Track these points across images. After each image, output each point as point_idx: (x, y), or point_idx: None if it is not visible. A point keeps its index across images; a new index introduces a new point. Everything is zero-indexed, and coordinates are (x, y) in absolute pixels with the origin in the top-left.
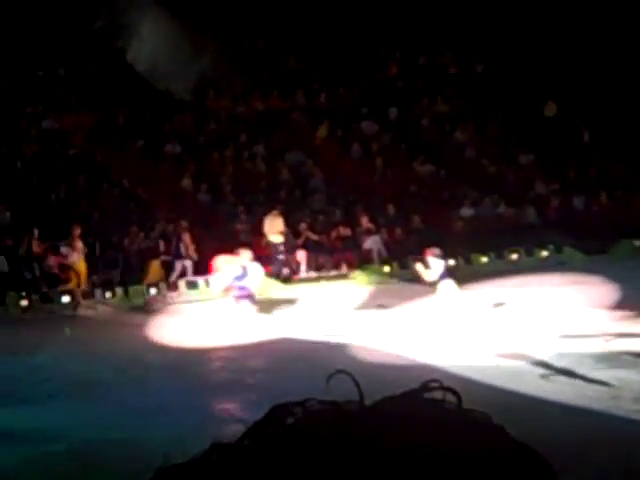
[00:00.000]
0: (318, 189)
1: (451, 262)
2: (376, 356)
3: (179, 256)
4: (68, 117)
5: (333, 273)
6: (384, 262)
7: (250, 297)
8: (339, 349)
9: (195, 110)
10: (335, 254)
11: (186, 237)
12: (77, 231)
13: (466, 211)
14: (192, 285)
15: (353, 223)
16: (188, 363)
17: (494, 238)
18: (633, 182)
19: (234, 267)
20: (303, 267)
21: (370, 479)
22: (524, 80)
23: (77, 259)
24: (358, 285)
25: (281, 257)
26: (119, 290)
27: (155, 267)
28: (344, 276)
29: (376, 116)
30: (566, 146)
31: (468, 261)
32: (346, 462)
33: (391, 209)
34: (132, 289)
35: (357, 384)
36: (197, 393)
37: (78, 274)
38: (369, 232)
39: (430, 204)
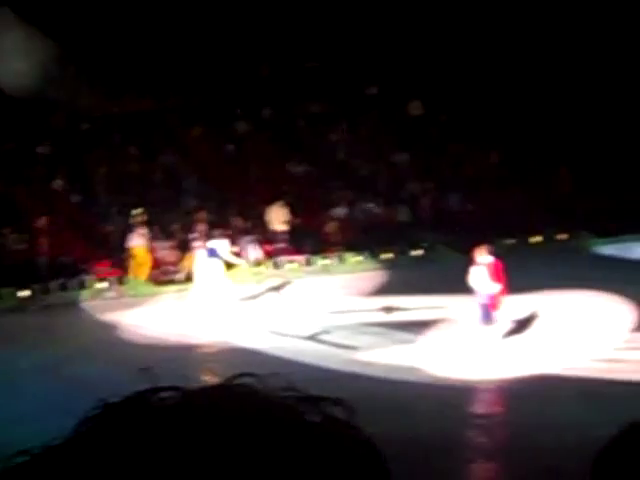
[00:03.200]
0: (191, 189)
1: (326, 261)
2: None
3: None
4: None
5: None
6: (258, 263)
7: None
8: None
9: (68, 110)
10: None
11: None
12: None
13: (340, 211)
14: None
15: (227, 223)
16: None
17: (368, 237)
18: (506, 181)
19: None
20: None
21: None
22: (389, 79)
23: None
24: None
25: (282, 245)
26: None
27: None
28: None
29: (250, 116)
30: (439, 145)
31: (342, 260)
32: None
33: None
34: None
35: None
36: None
37: None
38: (243, 232)
39: (304, 204)
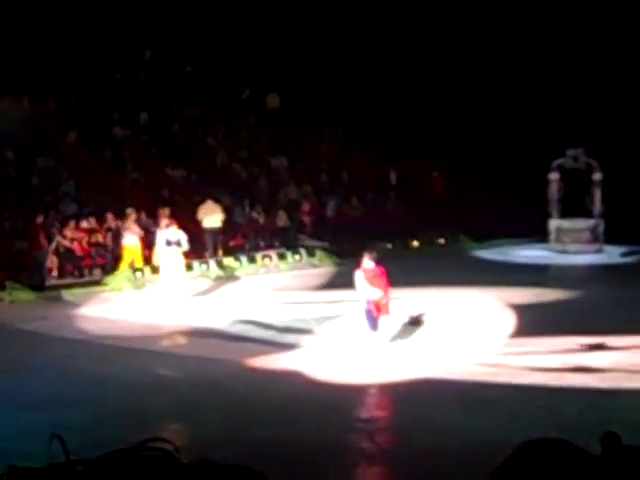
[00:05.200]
0: (69, 194)
1: (203, 267)
2: None
3: None
4: None
5: (86, 279)
6: (136, 269)
7: None
8: None
9: None
10: (86, 259)
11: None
12: None
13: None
14: None
15: (105, 229)
16: None
17: (247, 242)
18: (384, 186)
19: None
20: (55, 272)
21: None
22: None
23: None
24: (113, 290)
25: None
26: None
27: None
28: (97, 282)
29: (127, 121)
30: (316, 149)
31: (220, 265)
32: None
33: (143, 215)
34: None
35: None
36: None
37: None
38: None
39: (182, 209)
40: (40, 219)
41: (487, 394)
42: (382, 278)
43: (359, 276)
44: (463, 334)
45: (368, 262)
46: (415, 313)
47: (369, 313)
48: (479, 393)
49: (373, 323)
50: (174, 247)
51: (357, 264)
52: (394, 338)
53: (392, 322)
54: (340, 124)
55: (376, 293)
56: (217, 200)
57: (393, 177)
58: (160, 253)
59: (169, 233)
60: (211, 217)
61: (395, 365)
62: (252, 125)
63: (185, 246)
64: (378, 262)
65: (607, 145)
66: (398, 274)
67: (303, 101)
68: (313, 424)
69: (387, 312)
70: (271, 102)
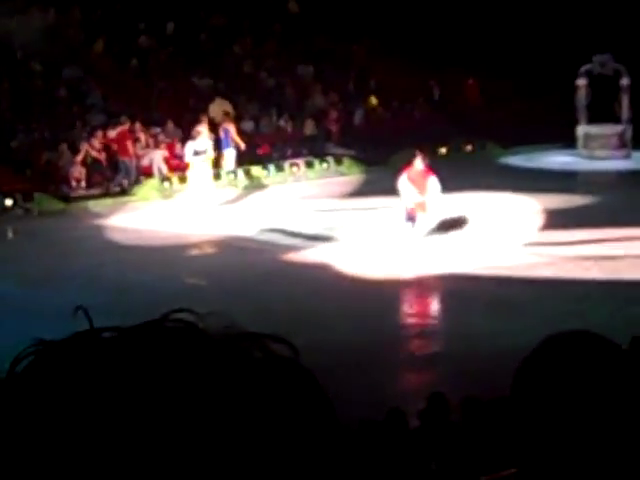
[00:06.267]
0: (96, 105)
1: (231, 176)
2: None
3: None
4: None
5: (113, 189)
6: (164, 178)
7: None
8: None
9: None
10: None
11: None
12: None
13: (245, 124)
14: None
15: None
16: None
17: (274, 151)
18: (412, 93)
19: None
20: (83, 183)
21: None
22: None
23: None
24: (141, 201)
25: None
26: None
27: None
28: (125, 192)
29: (153, 31)
30: (344, 57)
31: (248, 174)
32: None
33: (170, 124)
34: None
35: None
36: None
37: None
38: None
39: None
40: (126, 125)
41: (518, 294)
42: (426, 180)
43: (403, 178)
44: (494, 234)
45: (419, 162)
46: (450, 214)
47: (409, 212)
48: (509, 293)
49: (412, 222)
50: (202, 156)
51: (407, 165)
52: (431, 235)
53: (429, 221)
54: (370, 32)
55: (415, 194)
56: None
57: (436, 91)
58: (189, 164)
59: (197, 143)
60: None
61: (429, 261)
62: (278, 33)
63: (211, 154)
64: (428, 165)
65: (635, 50)
66: None
67: (329, 8)
68: (346, 329)
69: (424, 211)
70: (292, 7)
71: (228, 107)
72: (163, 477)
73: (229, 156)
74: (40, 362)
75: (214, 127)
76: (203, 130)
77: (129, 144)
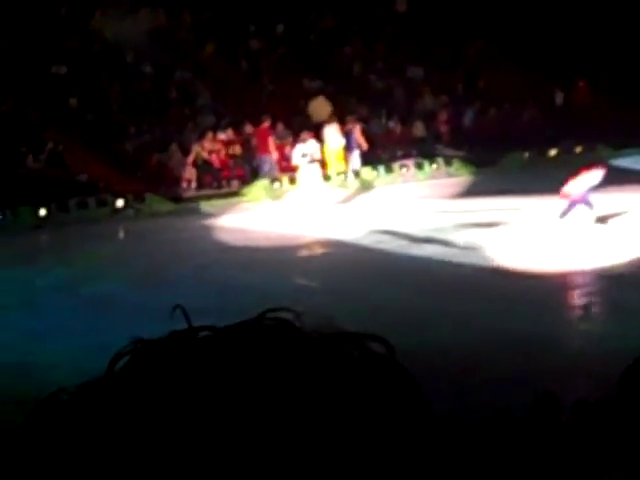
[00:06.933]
0: (206, 107)
1: (341, 177)
2: None
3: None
4: None
5: (223, 190)
6: (274, 179)
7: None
8: None
9: (80, 31)
10: (224, 171)
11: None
12: None
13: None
14: None
15: (243, 140)
16: None
17: (384, 152)
18: (521, 94)
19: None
20: (193, 184)
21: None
22: None
23: None
24: (251, 201)
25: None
26: None
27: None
28: (235, 193)
29: (263, 33)
30: (454, 59)
31: (358, 175)
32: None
33: (280, 127)
34: None
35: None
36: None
37: None
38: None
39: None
40: (267, 123)
41: None
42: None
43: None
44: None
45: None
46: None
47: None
48: None
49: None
50: (309, 158)
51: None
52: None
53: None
54: (482, 34)
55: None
56: (330, 97)
57: (559, 97)
58: (298, 166)
59: (306, 146)
60: (320, 112)
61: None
62: (388, 35)
63: (318, 156)
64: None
65: None
66: (536, 182)
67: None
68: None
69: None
70: (400, 5)
71: (328, 107)
72: (260, 477)
73: (354, 157)
74: (136, 361)
75: (318, 126)
76: (331, 128)
77: (270, 141)
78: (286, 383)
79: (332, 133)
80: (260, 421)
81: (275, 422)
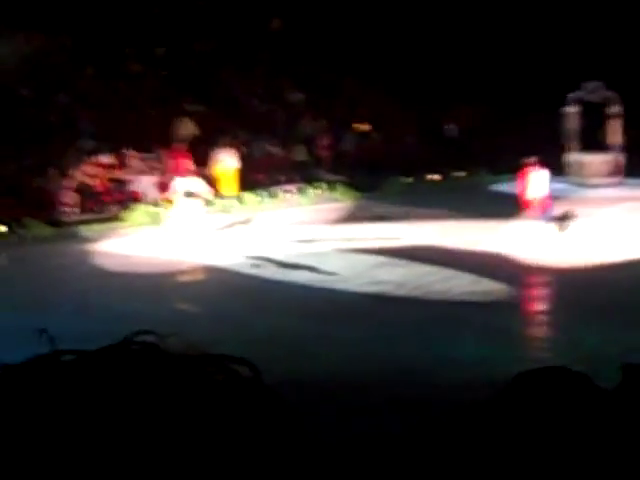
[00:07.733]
0: (87, 131)
1: (223, 202)
2: None
3: None
4: None
5: (104, 215)
6: (155, 204)
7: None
8: None
9: None
10: (105, 195)
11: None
12: None
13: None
14: None
15: (122, 164)
16: None
17: (265, 177)
18: (403, 120)
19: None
20: (76, 209)
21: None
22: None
23: None
24: (132, 226)
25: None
26: None
27: None
28: (116, 217)
29: (143, 56)
30: (333, 86)
31: (240, 200)
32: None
33: (163, 151)
34: None
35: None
36: None
37: None
38: (141, 173)
39: (202, 145)
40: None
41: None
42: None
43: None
44: None
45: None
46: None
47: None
48: None
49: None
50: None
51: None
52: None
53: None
54: (358, 61)
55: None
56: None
57: (453, 129)
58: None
59: (188, 182)
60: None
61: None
62: (267, 61)
63: (206, 196)
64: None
65: (627, 77)
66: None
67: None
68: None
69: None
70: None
71: (193, 127)
72: None
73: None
74: None
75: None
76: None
77: (185, 163)
78: (145, 404)
79: (225, 155)
80: (113, 442)
81: (125, 441)
